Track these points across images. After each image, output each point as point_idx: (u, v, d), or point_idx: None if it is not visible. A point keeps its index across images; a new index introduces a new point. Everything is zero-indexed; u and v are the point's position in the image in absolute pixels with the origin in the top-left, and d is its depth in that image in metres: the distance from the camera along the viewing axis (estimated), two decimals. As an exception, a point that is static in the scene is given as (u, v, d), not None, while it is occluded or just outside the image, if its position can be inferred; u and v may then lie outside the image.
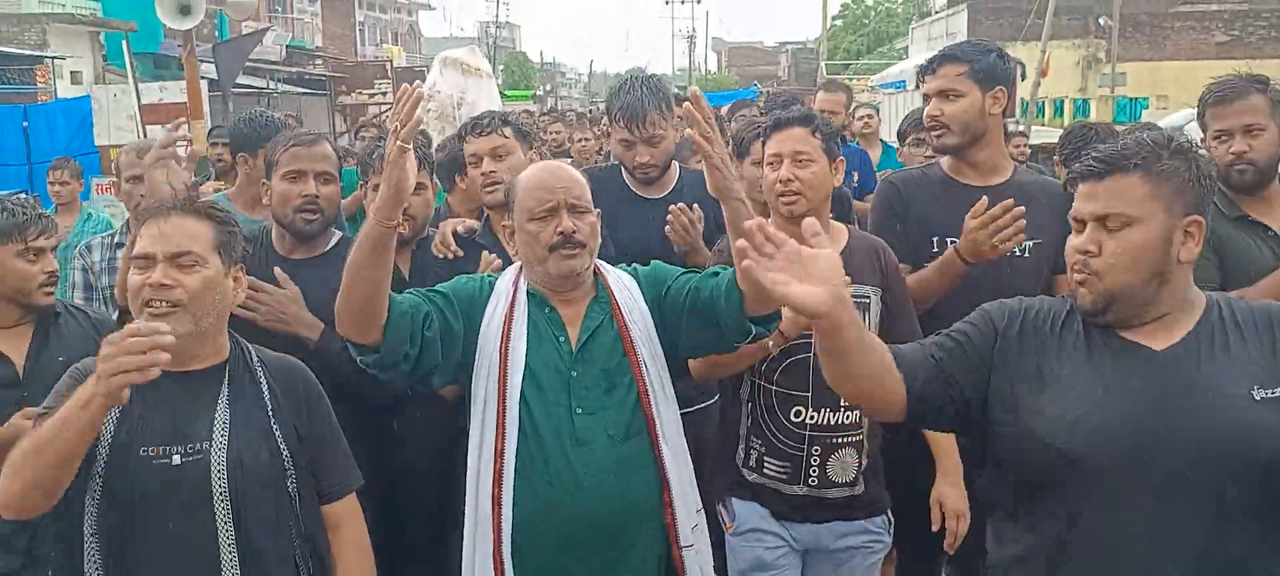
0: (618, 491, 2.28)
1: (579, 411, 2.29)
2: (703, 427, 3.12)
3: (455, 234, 3.19)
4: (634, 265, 2.53)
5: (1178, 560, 1.78)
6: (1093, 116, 18.66)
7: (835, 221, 2.86)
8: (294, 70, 27.39)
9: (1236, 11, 26.77)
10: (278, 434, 2.19)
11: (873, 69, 33.09)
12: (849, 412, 2.68)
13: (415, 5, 57.26)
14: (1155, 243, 1.82)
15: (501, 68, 51.36)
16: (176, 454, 2.10)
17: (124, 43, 12.62)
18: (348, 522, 2.34)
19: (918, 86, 3.14)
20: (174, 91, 11.61)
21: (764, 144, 2.80)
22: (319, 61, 31.19)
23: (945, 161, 3.17)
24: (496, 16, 49.44)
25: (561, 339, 2.34)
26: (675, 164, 3.39)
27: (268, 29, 21.65)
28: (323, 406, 2.32)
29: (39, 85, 18.20)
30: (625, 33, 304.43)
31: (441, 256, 3.08)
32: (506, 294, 2.38)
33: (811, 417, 2.67)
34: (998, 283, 2.79)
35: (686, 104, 2.07)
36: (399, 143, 1.98)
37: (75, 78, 19.57)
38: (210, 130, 8.32)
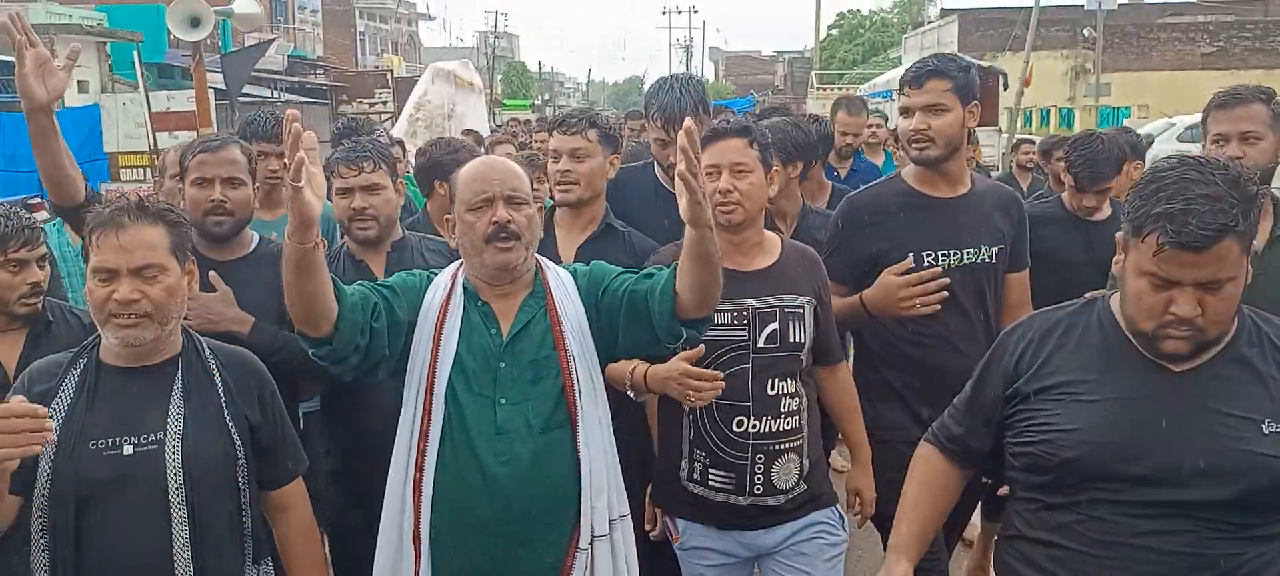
0: (533, 480, 2.30)
1: (503, 402, 2.32)
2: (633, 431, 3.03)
3: None
4: (575, 265, 2.55)
5: (1173, 566, 1.87)
6: (1077, 126, 19.10)
7: (771, 233, 2.90)
8: (296, 80, 27.83)
9: (1221, 23, 27.33)
10: (231, 424, 2.21)
11: (867, 78, 33.54)
12: (789, 419, 2.71)
13: (415, 16, 57.86)
14: (1241, 287, 1.86)
15: (500, 77, 51.79)
16: (129, 444, 2.11)
17: (135, 53, 13.02)
18: (294, 506, 2.39)
19: (901, 96, 3.15)
20: (181, 100, 12.04)
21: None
22: (319, 71, 31.64)
23: (911, 174, 3.17)
24: (495, 27, 49.82)
25: (493, 332, 2.36)
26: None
27: (273, 40, 22.05)
28: (273, 394, 2.36)
29: (48, 94, 18.63)
30: (623, 42, 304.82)
31: None
32: (445, 286, 2.42)
33: (754, 426, 2.68)
34: (965, 282, 3.03)
35: (680, 134, 2.04)
36: (292, 180, 1.97)
37: (82, 87, 19.91)
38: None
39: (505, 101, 41.33)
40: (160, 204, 2.26)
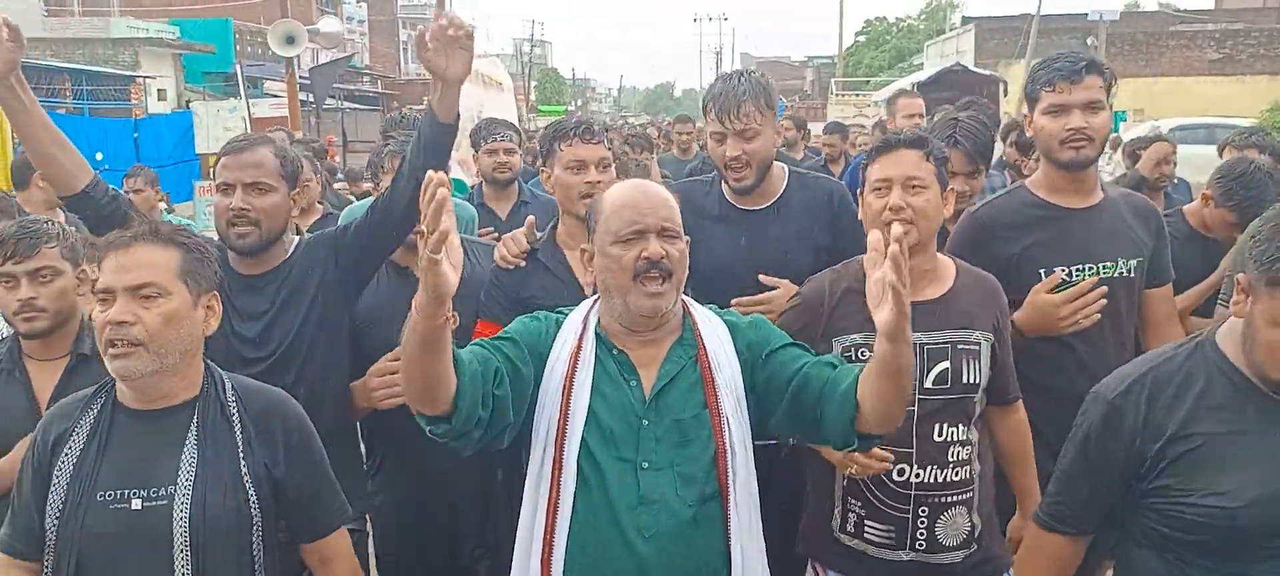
0: (681, 561, 2.02)
1: (645, 466, 2.04)
2: (771, 469, 2.55)
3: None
4: (728, 312, 2.30)
5: None
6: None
7: (943, 256, 2.61)
8: (349, 88, 29.66)
9: (1228, 31, 28.33)
10: (247, 478, 2.06)
11: (889, 83, 34.69)
12: (959, 469, 2.43)
13: (455, 25, 59.38)
14: None
15: (535, 84, 53.41)
16: (137, 498, 1.99)
17: (236, 66, 14.72)
18: (337, 558, 2.23)
19: (1037, 103, 2.82)
20: (264, 107, 13.75)
21: (867, 168, 2.56)
22: (366, 78, 33.50)
23: (1042, 185, 2.90)
24: (532, 35, 51.51)
25: (633, 384, 2.09)
26: (784, 169, 3.05)
27: (351, 56, 23.69)
28: (307, 441, 2.18)
29: (133, 101, 20.58)
30: (654, 50, 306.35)
31: (506, 266, 2.90)
32: (575, 330, 2.14)
33: (917, 476, 2.40)
34: (1103, 300, 2.76)
35: (892, 240, 1.80)
36: (429, 253, 1.72)
37: (161, 95, 21.88)
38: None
39: (540, 107, 43.00)
40: (179, 230, 2.15)
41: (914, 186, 2.44)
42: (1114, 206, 2.89)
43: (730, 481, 2.06)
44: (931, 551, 2.44)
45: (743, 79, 2.93)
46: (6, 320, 2.64)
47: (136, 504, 1.98)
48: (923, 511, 2.43)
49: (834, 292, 2.51)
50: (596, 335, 2.14)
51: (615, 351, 2.12)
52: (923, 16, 54.33)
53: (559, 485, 2.04)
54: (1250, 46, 27.78)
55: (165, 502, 1.99)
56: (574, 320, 2.17)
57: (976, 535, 2.48)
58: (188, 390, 2.08)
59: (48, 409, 2.42)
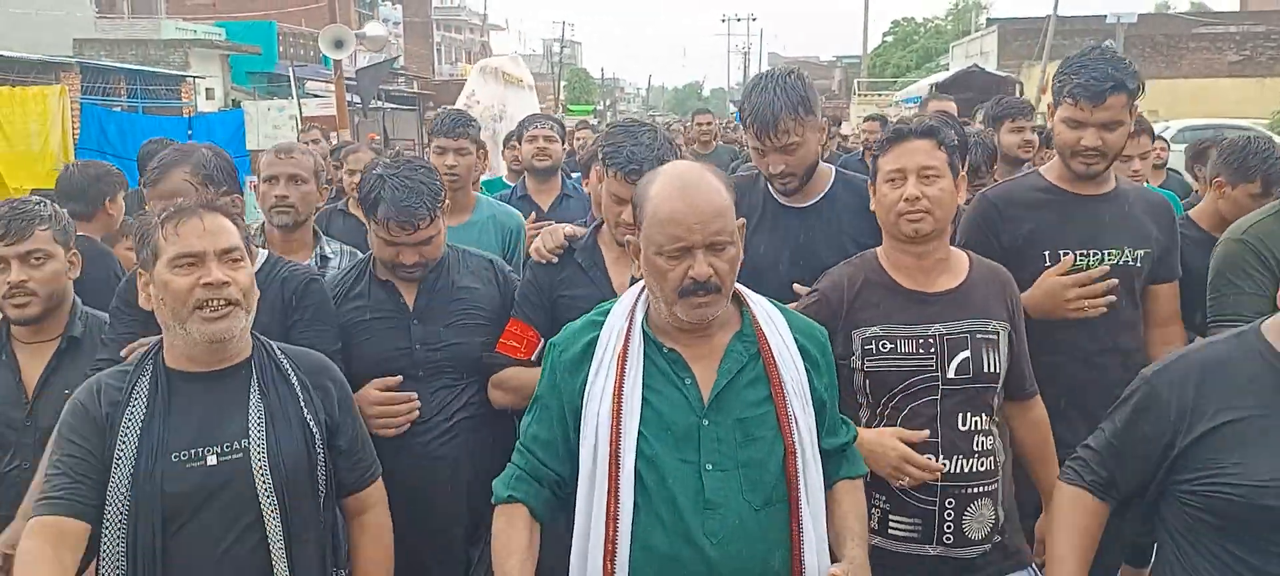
0: (751, 566, 1.94)
1: (710, 467, 1.95)
2: None
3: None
4: (786, 308, 2.22)
5: None
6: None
7: (955, 248, 2.60)
8: (387, 88, 30.54)
9: (1248, 33, 28.63)
10: (311, 423, 2.14)
11: (913, 83, 35.10)
12: (984, 459, 2.42)
13: (488, 27, 60.68)
14: None
15: (565, 84, 54.18)
16: (212, 455, 2.03)
17: (289, 69, 15.59)
18: (373, 508, 2.30)
19: (1056, 100, 2.86)
20: (311, 106, 14.57)
21: (878, 158, 2.54)
22: (401, 78, 34.43)
23: (1050, 170, 2.96)
24: (563, 36, 52.26)
25: (688, 382, 2.00)
26: (831, 169, 3.01)
27: (395, 58, 24.44)
28: (348, 396, 2.28)
29: (183, 100, 21.58)
30: (682, 49, 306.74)
31: (542, 261, 2.86)
32: (619, 331, 2.05)
33: (944, 466, 2.38)
34: (1111, 295, 2.78)
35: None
36: None
37: (209, 94, 22.84)
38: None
39: (570, 107, 43.75)
40: (225, 204, 2.23)
41: (928, 176, 2.43)
42: (1125, 197, 2.92)
43: (801, 482, 1.98)
44: (958, 544, 2.42)
45: (777, 90, 2.79)
46: None
47: (212, 460, 2.03)
48: (950, 503, 2.41)
49: (852, 285, 2.49)
50: (644, 333, 2.05)
51: (666, 349, 2.03)
52: (950, 17, 54.60)
53: (618, 492, 1.94)
54: (1270, 48, 28.05)
55: (241, 455, 2.05)
56: (617, 319, 2.08)
57: (1000, 527, 2.47)
58: (244, 350, 2.16)
59: (35, 392, 2.58)
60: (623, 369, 2.00)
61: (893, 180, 2.46)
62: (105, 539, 1.98)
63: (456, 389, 2.84)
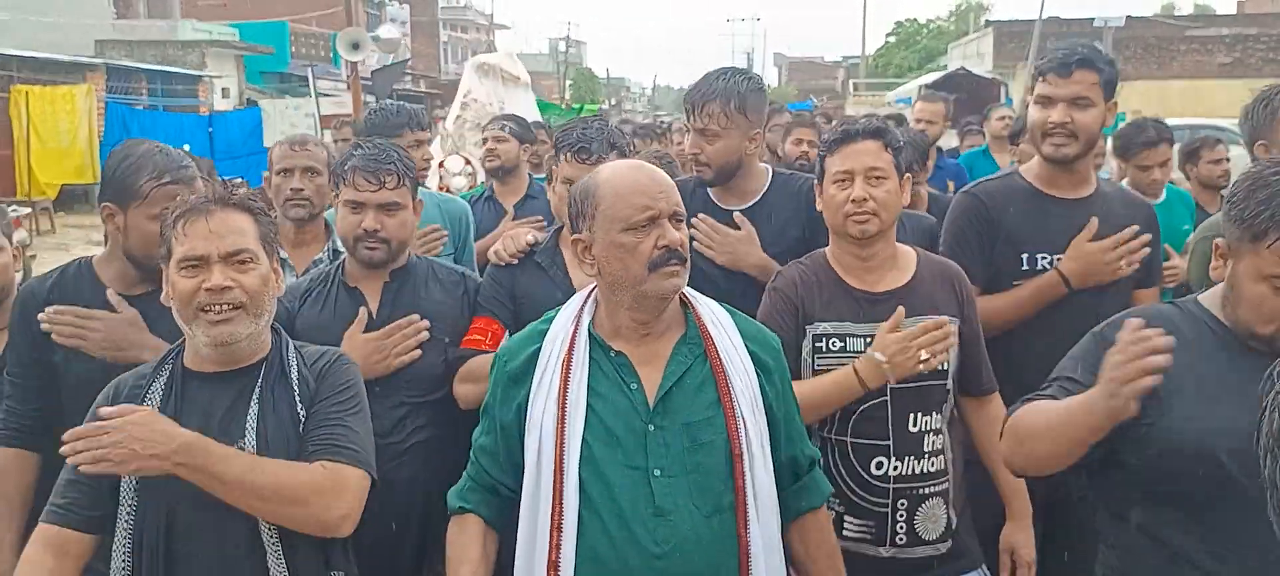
0: (701, 575, 1.89)
1: (657, 474, 1.90)
2: None
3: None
4: (733, 310, 2.14)
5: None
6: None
7: (902, 245, 2.60)
8: (395, 87, 31.26)
9: (1238, 35, 29.08)
10: (302, 416, 2.09)
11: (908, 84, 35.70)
12: (934, 459, 2.44)
13: (493, 26, 61.41)
14: None
15: (570, 83, 54.83)
16: None
17: (310, 70, 16.31)
18: (346, 489, 2.16)
19: (1033, 86, 2.88)
20: (325, 105, 15.30)
21: (825, 158, 2.53)
22: (407, 77, 35.14)
23: (1033, 172, 2.93)
24: (568, 36, 52.88)
25: (633, 387, 1.96)
26: (768, 170, 3.03)
27: (408, 59, 24.96)
28: (352, 384, 2.17)
29: (200, 99, 22.34)
30: (688, 49, 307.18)
31: (502, 263, 2.83)
32: (564, 334, 2.02)
33: (895, 468, 2.40)
34: (1083, 294, 2.75)
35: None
36: None
37: (225, 93, 23.58)
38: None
39: (574, 106, 44.33)
40: (245, 195, 2.16)
41: (875, 177, 2.44)
42: (1105, 201, 2.88)
43: (748, 486, 1.94)
44: (911, 545, 2.43)
45: (723, 80, 2.87)
46: None
47: None
48: (902, 504, 2.42)
49: (805, 282, 2.52)
50: (590, 335, 2.02)
51: (612, 353, 1.99)
52: (952, 18, 55.11)
53: (562, 500, 1.90)
54: (1260, 50, 28.54)
55: None
56: (563, 323, 2.05)
57: (953, 528, 2.48)
58: (260, 350, 2.12)
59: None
60: (567, 373, 1.97)
61: (840, 181, 2.48)
62: (116, 541, 2.00)
63: (412, 406, 2.65)
